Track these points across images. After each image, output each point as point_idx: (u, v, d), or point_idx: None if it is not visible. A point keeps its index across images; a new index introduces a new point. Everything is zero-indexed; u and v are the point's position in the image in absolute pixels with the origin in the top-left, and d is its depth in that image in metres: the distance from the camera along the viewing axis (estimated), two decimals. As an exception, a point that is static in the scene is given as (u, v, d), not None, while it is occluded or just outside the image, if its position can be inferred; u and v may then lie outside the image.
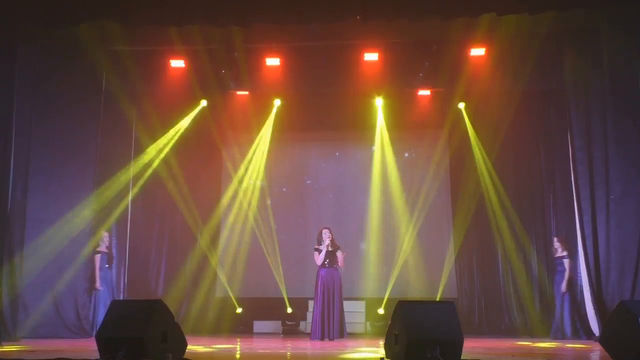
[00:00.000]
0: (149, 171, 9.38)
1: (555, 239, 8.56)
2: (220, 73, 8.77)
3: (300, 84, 8.98)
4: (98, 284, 8.35)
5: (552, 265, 8.75)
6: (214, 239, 9.90)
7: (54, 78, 7.98)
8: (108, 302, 8.29)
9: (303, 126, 10.13)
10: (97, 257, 8.41)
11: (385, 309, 9.29)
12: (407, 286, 9.50)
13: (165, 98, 9.18)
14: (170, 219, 9.97)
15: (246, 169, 9.94)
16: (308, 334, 8.26)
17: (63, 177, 7.99)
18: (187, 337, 5.05)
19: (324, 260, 7.96)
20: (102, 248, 8.52)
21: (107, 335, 4.55)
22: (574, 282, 8.30)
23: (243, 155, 10.01)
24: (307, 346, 6.91)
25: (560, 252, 8.41)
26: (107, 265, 8.49)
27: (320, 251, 7.98)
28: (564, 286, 8.20)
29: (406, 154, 10.19)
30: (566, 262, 8.28)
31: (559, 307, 8.22)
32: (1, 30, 7.23)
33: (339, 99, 9.42)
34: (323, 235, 8.02)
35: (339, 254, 8.01)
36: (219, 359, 5.47)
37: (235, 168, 10.03)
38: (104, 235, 8.64)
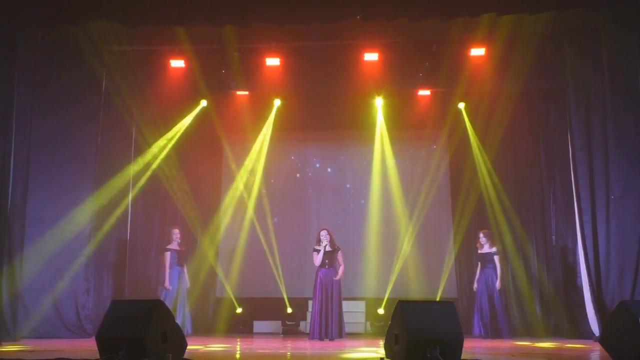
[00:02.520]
0: (149, 171, 9.37)
1: (481, 234, 8.46)
2: (220, 73, 8.76)
3: (300, 84, 8.97)
4: (167, 283, 8.30)
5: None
6: (214, 239, 9.89)
7: (54, 78, 7.99)
8: (178, 302, 8.26)
9: (303, 126, 10.13)
10: (167, 254, 8.39)
11: (385, 309, 9.29)
12: (407, 286, 9.49)
13: (165, 98, 9.18)
14: (170, 219, 9.96)
15: (246, 169, 9.94)
16: (308, 334, 8.26)
17: (63, 177, 7.99)
18: (187, 337, 5.05)
19: (323, 260, 7.98)
20: (173, 245, 8.46)
21: (107, 335, 4.55)
22: (503, 278, 8.33)
23: (243, 155, 10.01)
24: (307, 346, 6.91)
25: (487, 247, 8.33)
26: (175, 263, 8.41)
27: (318, 252, 7.99)
28: (498, 284, 8.18)
29: (406, 154, 10.18)
30: (496, 258, 8.24)
31: (495, 305, 8.19)
32: (1, 30, 7.24)
33: (339, 99, 9.42)
34: (321, 236, 8.04)
35: (339, 263, 8.04)
36: (219, 359, 5.47)
37: (235, 168, 10.03)
38: (174, 231, 8.58)
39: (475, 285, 8.52)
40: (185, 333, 8.26)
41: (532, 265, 9.26)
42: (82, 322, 7.91)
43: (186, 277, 8.62)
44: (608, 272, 7.39)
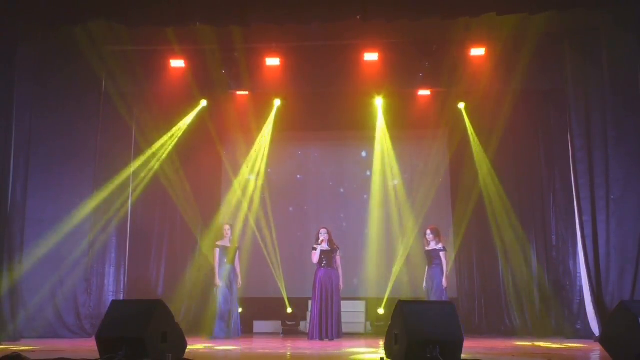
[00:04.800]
0: (149, 171, 9.37)
1: (428, 231, 8.27)
2: (220, 73, 8.75)
3: (300, 84, 8.97)
4: (217, 281, 8.13)
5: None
6: (214, 239, 9.87)
7: (54, 78, 7.99)
8: (226, 301, 8.07)
9: (303, 126, 10.14)
10: (216, 251, 8.21)
11: (385, 309, 9.29)
12: (407, 286, 9.49)
13: (165, 98, 9.18)
14: (170, 219, 9.97)
15: (246, 169, 9.94)
16: (307, 334, 8.25)
17: (62, 176, 8.00)
18: (187, 337, 5.05)
19: (322, 259, 7.97)
20: (224, 242, 8.27)
21: (107, 335, 4.55)
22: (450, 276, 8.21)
23: (243, 155, 10.01)
24: (307, 346, 6.91)
25: (434, 244, 8.18)
26: (225, 261, 8.18)
27: (316, 249, 7.99)
28: (444, 281, 8.02)
29: (406, 154, 10.18)
30: (442, 255, 8.10)
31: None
32: (1, 29, 7.24)
33: (339, 99, 9.42)
34: (320, 234, 8.04)
35: (337, 265, 8.05)
36: (219, 359, 5.47)
37: (235, 168, 10.03)
38: (225, 228, 8.39)
39: (424, 285, 8.26)
40: (234, 334, 8.07)
41: (532, 265, 9.26)
42: (82, 322, 7.91)
43: (238, 274, 8.35)
44: (608, 272, 7.38)
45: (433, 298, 7.95)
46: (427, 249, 8.29)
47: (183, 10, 7.16)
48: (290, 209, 10.24)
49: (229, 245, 8.33)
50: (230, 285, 8.20)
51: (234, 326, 8.14)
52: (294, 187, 10.34)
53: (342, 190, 10.29)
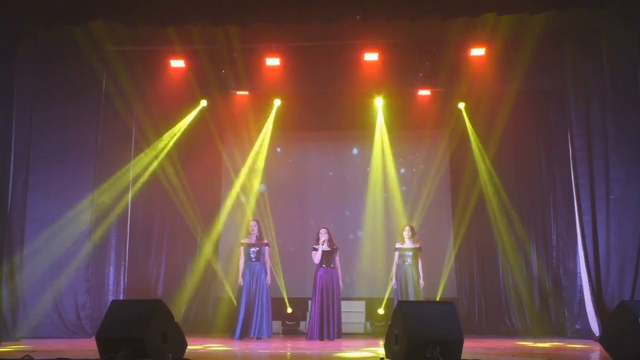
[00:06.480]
0: (149, 171, 9.38)
1: (407, 228, 8.25)
2: (220, 73, 8.77)
3: (300, 84, 8.98)
4: (240, 279, 7.97)
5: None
6: (214, 239, 9.89)
7: (54, 78, 8.00)
8: (248, 301, 7.86)
9: (303, 126, 10.13)
10: (241, 249, 8.09)
11: (385, 309, 9.29)
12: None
13: (165, 98, 9.18)
14: (170, 219, 9.95)
15: (246, 169, 9.94)
16: (307, 334, 8.24)
17: (63, 176, 8.00)
18: (187, 337, 5.05)
19: (322, 260, 7.97)
20: (251, 239, 8.10)
21: (107, 336, 4.56)
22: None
23: (243, 155, 10.01)
24: (306, 346, 6.91)
25: (410, 243, 8.16)
26: (253, 258, 7.97)
27: (317, 250, 7.99)
28: (422, 281, 8.04)
29: (406, 154, 10.18)
30: (420, 254, 8.10)
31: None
32: (1, 28, 7.24)
33: (339, 99, 9.42)
34: (320, 234, 8.04)
35: (336, 265, 8.05)
36: (219, 359, 5.48)
37: (235, 168, 10.02)
38: (250, 224, 8.21)
39: (394, 282, 8.20)
40: (262, 335, 7.85)
41: (532, 265, 9.26)
42: (82, 322, 7.90)
43: (267, 271, 8.10)
44: (608, 272, 7.38)
45: (413, 297, 7.95)
46: (402, 246, 8.25)
47: (183, 10, 7.16)
48: (290, 208, 10.23)
49: (254, 242, 8.15)
50: (255, 283, 8.00)
51: (258, 326, 7.92)
52: (293, 187, 10.33)
53: (341, 190, 10.27)
